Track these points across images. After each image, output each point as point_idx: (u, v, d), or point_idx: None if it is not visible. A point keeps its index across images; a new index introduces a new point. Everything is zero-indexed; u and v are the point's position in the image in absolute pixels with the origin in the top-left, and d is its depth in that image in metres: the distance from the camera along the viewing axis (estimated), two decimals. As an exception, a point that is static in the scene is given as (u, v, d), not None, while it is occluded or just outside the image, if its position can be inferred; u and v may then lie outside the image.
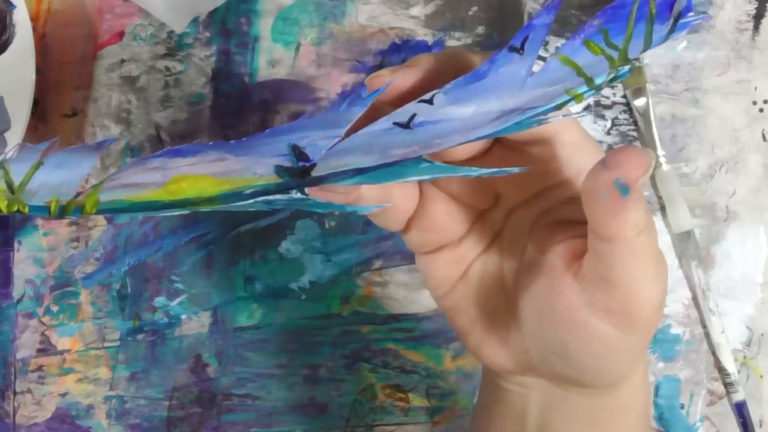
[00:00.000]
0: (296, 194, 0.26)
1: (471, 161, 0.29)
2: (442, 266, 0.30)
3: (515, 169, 0.27)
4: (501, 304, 0.29)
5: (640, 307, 0.25)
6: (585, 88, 0.26)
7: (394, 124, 0.26)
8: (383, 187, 0.29)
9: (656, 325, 0.26)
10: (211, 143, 0.26)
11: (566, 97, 0.26)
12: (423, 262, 0.31)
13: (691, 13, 0.26)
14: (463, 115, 0.26)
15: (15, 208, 0.26)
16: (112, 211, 0.27)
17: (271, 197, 0.26)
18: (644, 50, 0.27)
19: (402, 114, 0.26)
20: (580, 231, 0.26)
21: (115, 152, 0.44)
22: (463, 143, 0.26)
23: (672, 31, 0.27)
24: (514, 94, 0.26)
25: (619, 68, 0.26)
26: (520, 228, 0.29)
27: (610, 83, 0.27)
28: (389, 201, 0.29)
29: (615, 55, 0.27)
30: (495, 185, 0.29)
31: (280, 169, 0.26)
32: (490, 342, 0.30)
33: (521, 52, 0.26)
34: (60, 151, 0.26)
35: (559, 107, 0.26)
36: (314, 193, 0.27)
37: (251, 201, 0.26)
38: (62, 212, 0.26)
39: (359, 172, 0.26)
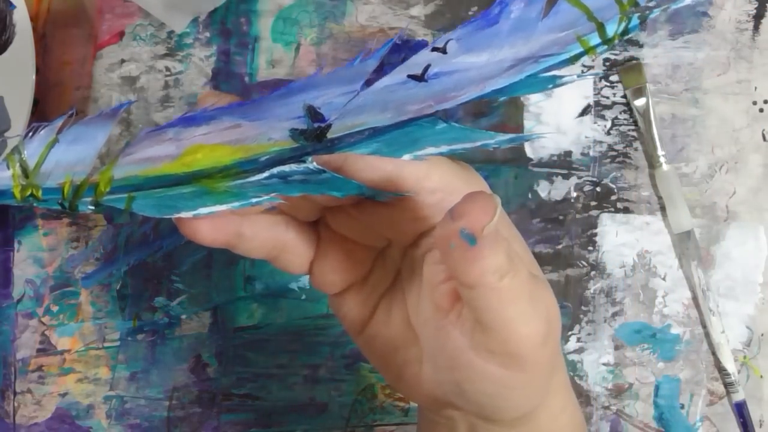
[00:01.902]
0: (312, 165, 0.25)
1: (339, 211, 0.29)
2: (352, 306, 0.30)
3: (535, 136, 0.25)
4: (410, 341, 0.29)
5: (521, 346, 0.25)
6: (597, 39, 0.25)
7: (409, 77, 0.26)
8: (277, 233, 0.29)
9: (547, 358, 0.26)
10: (225, 107, 0.26)
11: (579, 48, 0.25)
12: (334, 304, 0.31)
13: None
14: (477, 65, 0.25)
15: (29, 193, 0.25)
16: (126, 188, 0.26)
17: (287, 168, 0.25)
18: None
19: (416, 65, 0.25)
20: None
21: (115, 153, 0.44)
22: (478, 97, 0.25)
23: None
24: (527, 39, 0.25)
25: (630, 15, 0.25)
26: (415, 266, 0.29)
27: (622, 37, 0.26)
28: (284, 247, 0.29)
29: None
30: (381, 229, 0.29)
31: (295, 133, 0.26)
32: (407, 378, 0.29)
33: None
34: (75, 124, 0.26)
35: (572, 60, 0.26)
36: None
37: (267, 174, 0.26)
38: (76, 194, 0.26)
39: (375, 133, 0.26)
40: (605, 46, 0.26)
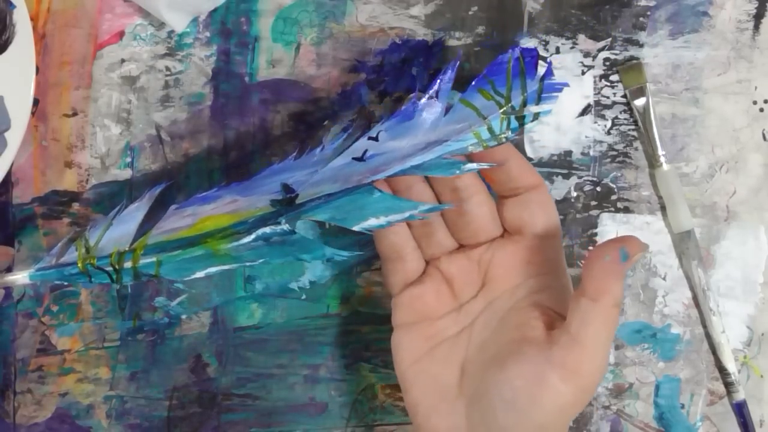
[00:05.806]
0: (285, 226, 0.34)
1: (459, 254, 0.38)
2: (415, 338, 0.36)
3: (448, 206, 0.35)
4: (454, 381, 0.35)
5: (589, 368, 0.31)
6: (487, 134, 0.35)
7: (353, 159, 0.35)
8: (407, 240, 0.37)
9: (591, 395, 0.32)
10: (226, 186, 0.36)
11: (473, 139, 0.35)
12: (399, 332, 0.37)
13: (553, 77, 0.35)
14: (400, 147, 0.35)
15: (87, 262, 0.36)
16: (154, 250, 0.35)
17: (268, 230, 0.34)
18: (524, 102, 0.35)
19: (358, 150, 0.35)
20: (551, 311, 0.34)
21: (115, 152, 0.44)
22: (399, 171, 0.35)
23: (542, 90, 0.35)
24: (434, 129, 0.35)
25: (509, 115, 0.35)
26: (493, 316, 0.36)
27: (504, 132, 0.35)
28: (402, 254, 0.37)
29: (502, 101, 0.35)
30: (488, 270, 0.36)
31: (274, 201, 0.35)
32: (436, 414, 0.35)
33: (436, 99, 0.35)
34: (123, 210, 0.36)
35: (469, 149, 0.35)
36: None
37: (253, 236, 0.34)
38: (120, 258, 0.35)
39: (328, 197, 0.35)
40: (494, 142, 0.35)
